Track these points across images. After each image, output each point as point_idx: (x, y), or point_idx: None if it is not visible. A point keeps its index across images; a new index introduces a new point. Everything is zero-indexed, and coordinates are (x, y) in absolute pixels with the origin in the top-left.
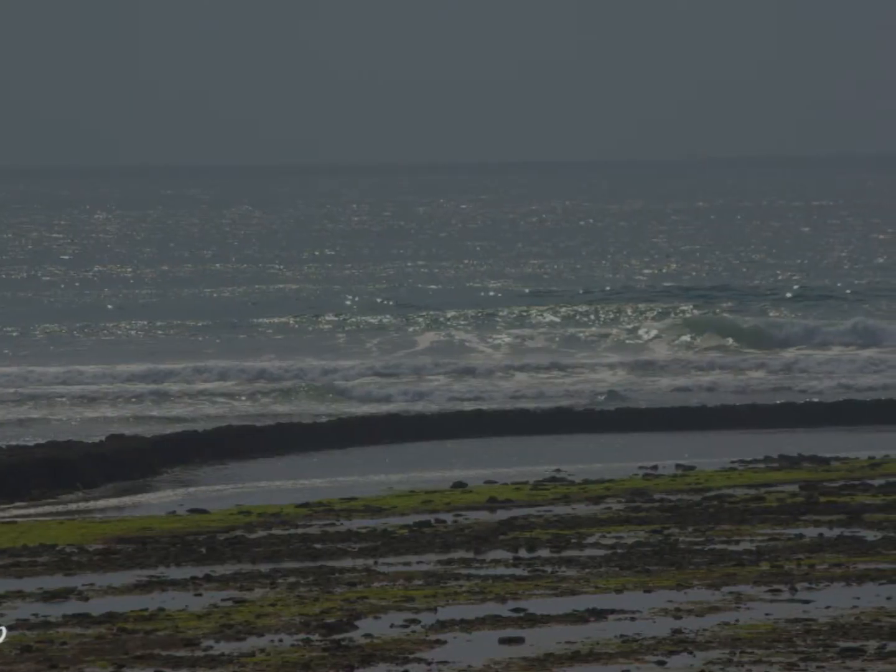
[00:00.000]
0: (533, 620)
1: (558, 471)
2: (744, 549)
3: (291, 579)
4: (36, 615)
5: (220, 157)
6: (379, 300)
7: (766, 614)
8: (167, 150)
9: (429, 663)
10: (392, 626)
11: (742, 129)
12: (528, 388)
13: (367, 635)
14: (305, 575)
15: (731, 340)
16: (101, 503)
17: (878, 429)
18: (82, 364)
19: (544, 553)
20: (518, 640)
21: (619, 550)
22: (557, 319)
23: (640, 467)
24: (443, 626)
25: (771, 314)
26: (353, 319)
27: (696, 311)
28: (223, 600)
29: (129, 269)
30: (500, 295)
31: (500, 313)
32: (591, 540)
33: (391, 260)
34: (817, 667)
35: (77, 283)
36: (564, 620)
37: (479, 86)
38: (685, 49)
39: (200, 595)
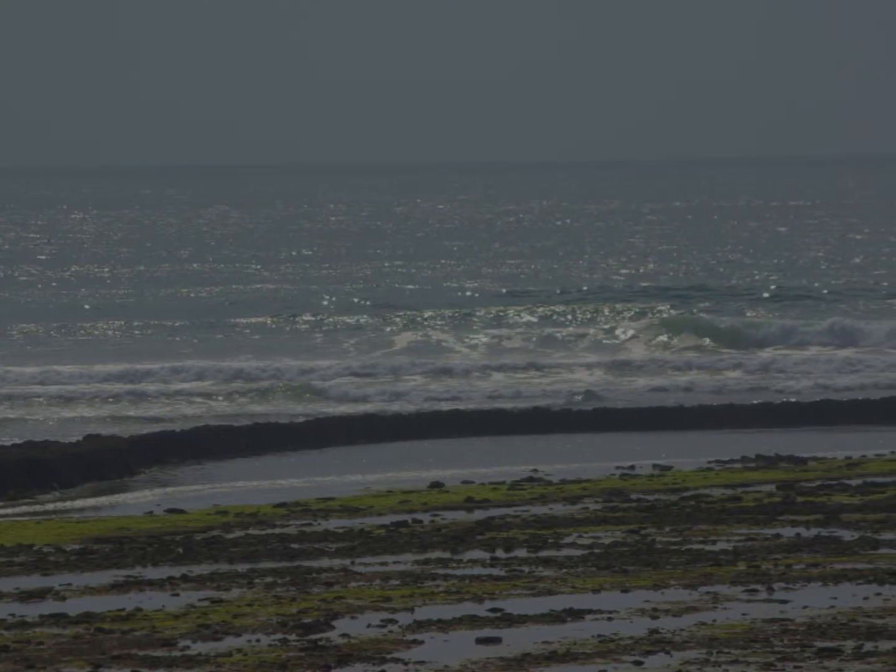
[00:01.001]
0: (510, 620)
1: (535, 471)
2: (721, 549)
3: (268, 579)
4: (13, 615)
5: (203, 158)
6: (356, 300)
7: (743, 614)
8: (151, 150)
9: (406, 663)
10: (369, 626)
11: (724, 129)
12: (505, 388)
13: (345, 635)
14: (282, 575)
15: (707, 340)
16: (79, 503)
17: (856, 429)
18: (59, 364)
19: (521, 553)
20: (495, 640)
21: (596, 550)
22: (534, 319)
23: (618, 467)
24: (420, 626)
25: (748, 314)
26: (331, 319)
27: (672, 311)
28: (200, 600)
29: (106, 269)
30: (477, 295)
31: (478, 313)
32: (568, 540)
33: (368, 260)
34: (794, 667)
35: (54, 284)
36: (541, 620)
37: (459, 86)
38: (666, 49)
39: (177, 595)
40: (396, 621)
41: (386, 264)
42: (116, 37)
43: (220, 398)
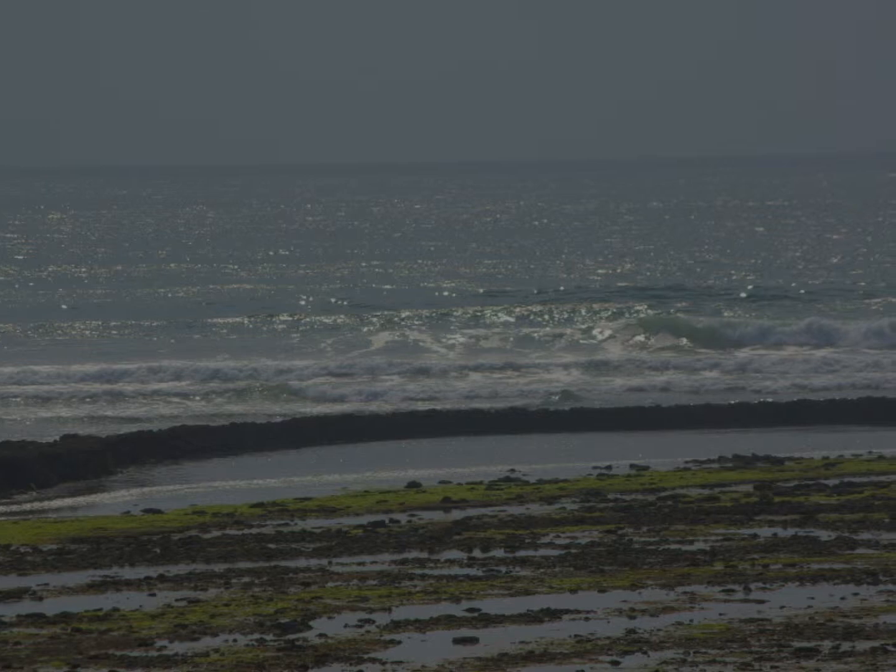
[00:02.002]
0: (487, 620)
1: (513, 471)
2: (698, 549)
3: (246, 579)
4: None
5: (175, 158)
6: (333, 300)
7: (721, 614)
8: (122, 150)
9: (383, 663)
10: (346, 626)
11: (689, 128)
12: (482, 388)
13: (322, 635)
14: (260, 575)
15: (685, 340)
16: (56, 503)
17: (833, 429)
18: (36, 364)
19: (499, 553)
20: (472, 641)
21: (573, 550)
22: (511, 319)
23: (595, 467)
24: (397, 626)
25: (725, 314)
26: (308, 319)
27: (650, 311)
28: (177, 600)
29: (84, 269)
30: (454, 295)
31: (455, 313)
32: (545, 540)
33: (345, 260)
34: (771, 667)
35: (31, 283)
36: (519, 620)
37: (431, 85)
38: (632, 49)
39: (155, 595)
40: (374, 621)
41: (363, 264)
42: (89, 37)
43: (198, 398)
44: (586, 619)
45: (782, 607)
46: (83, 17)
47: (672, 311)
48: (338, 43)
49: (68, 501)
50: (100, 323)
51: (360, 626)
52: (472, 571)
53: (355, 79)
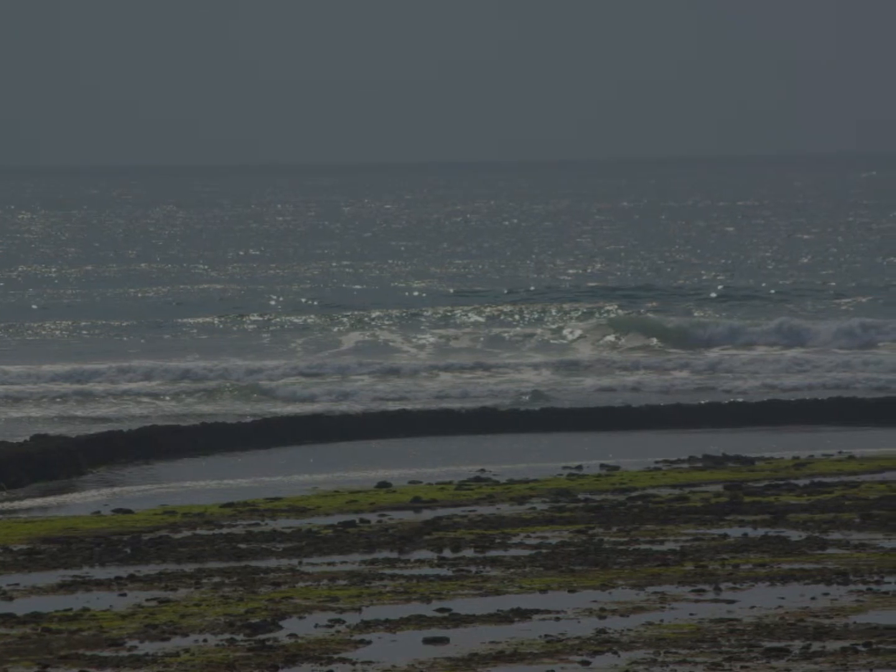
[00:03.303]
0: (457, 620)
1: (483, 471)
2: (668, 549)
3: (216, 579)
4: None
5: (152, 158)
6: (303, 300)
7: (691, 614)
8: (102, 150)
9: (353, 663)
10: (316, 626)
11: (663, 128)
12: (452, 388)
13: (292, 635)
14: (230, 575)
15: (655, 340)
16: (26, 503)
17: (803, 429)
18: (6, 364)
19: (469, 553)
20: (442, 641)
21: (543, 550)
22: (482, 319)
23: (565, 467)
24: (367, 626)
25: (695, 314)
26: (278, 319)
27: (620, 311)
28: (148, 600)
29: (54, 269)
30: (424, 295)
31: (425, 313)
32: (515, 540)
33: (316, 260)
34: (742, 667)
35: (1, 283)
36: (489, 620)
37: (403, 86)
38: (606, 49)
39: (125, 595)
40: (344, 621)
41: (333, 264)
42: (65, 37)
43: (168, 398)
44: (556, 619)
45: (752, 607)
46: (63, 17)
47: (642, 311)
48: (323, 44)
49: (39, 501)
50: (70, 323)
51: (331, 626)
52: (443, 571)
53: (342, 79)
